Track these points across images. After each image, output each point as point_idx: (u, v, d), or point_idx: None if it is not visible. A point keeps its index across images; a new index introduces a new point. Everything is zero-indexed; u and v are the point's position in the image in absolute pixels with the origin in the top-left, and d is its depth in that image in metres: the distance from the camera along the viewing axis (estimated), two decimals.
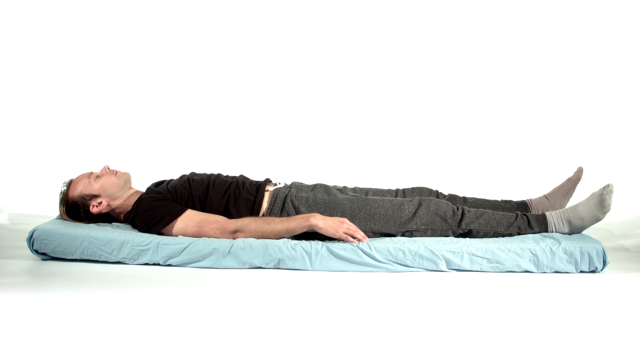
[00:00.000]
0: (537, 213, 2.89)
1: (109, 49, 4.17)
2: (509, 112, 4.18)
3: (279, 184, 2.89)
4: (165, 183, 2.91)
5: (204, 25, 4.19)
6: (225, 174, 2.96)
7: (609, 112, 4.11)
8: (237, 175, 2.96)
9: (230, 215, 2.74)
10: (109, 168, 2.87)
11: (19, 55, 4.08)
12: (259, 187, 2.83)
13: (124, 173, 2.87)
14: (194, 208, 2.77)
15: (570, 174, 2.98)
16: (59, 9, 4.10)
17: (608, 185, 2.65)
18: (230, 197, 2.78)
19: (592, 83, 4.13)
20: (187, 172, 2.98)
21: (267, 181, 2.90)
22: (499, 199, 3.02)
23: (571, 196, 2.96)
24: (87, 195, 2.80)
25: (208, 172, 2.97)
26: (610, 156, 4.03)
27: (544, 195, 2.97)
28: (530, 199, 2.99)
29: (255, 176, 3.21)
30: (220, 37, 4.21)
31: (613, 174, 3.75)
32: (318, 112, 4.22)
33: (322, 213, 2.71)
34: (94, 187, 2.80)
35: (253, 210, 2.77)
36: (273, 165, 4.03)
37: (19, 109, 4.08)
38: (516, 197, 3.14)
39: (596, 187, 2.75)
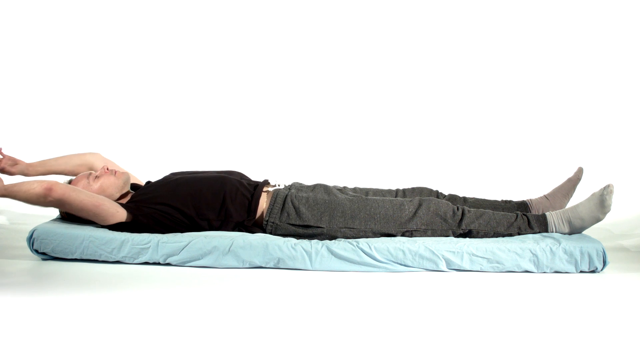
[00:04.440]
0: (537, 213, 2.89)
1: (110, 49, 4.17)
2: (509, 112, 4.18)
3: (279, 185, 2.89)
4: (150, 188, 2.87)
5: (204, 26, 4.19)
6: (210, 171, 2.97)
7: (609, 113, 4.11)
8: (234, 171, 2.96)
9: (227, 213, 2.73)
10: (107, 168, 2.87)
11: (18, 54, 4.08)
12: (256, 187, 2.83)
13: (122, 173, 2.87)
14: (187, 206, 2.74)
15: (570, 174, 2.98)
16: (57, 9, 4.09)
17: (608, 186, 2.65)
18: (227, 195, 2.76)
19: (592, 83, 4.13)
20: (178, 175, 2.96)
21: (266, 182, 2.90)
22: (499, 199, 3.02)
23: (571, 196, 2.95)
24: None
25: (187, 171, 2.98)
26: (611, 156, 4.02)
27: (544, 196, 2.97)
28: (530, 199, 2.99)
29: (256, 177, 3.21)
30: (221, 39, 4.20)
31: (613, 174, 3.75)
32: (318, 113, 4.21)
33: (323, 213, 2.71)
34: (93, 187, 2.80)
35: (250, 209, 2.76)
36: (273, 165, 4.03)
37: (18, 108, 4.08)
38: (516, 197, 3.14)
39: (596, 188, 2.75)
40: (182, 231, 2.73)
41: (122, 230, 2.69)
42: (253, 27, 4.20)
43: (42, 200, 2.57)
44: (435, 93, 4.21)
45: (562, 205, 2.93)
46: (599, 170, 3.70)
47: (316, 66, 4.21)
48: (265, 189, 2.84)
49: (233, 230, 2.74)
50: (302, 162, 4.07)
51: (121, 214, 2.69)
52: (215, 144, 4.14)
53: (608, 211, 2.66)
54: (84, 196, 2.62)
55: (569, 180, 2.94)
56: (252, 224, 2.77)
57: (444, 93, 4.21)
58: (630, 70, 4.08)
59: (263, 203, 2.78)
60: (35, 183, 2.57)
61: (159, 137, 4.17)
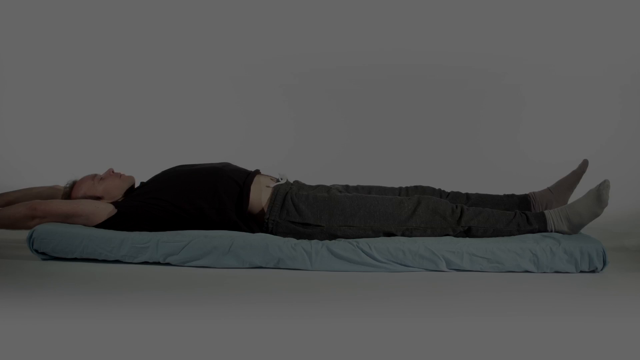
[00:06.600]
0: (540, 205, 2.92)
1: (111, 50, 4.18)
2: (513, 110, 4.18)
3: (281, 179, 2.88)
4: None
5: (205, 27, 4.19)
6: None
7: (611, 112, 4.11)
8: (224, 162, 2.96)
9: (220, 201, 2.72)
10: (113, 171, 2.88)
11: (21, 56, 4.09)
12: (248, 175, 2.82)
13: (128, 177, 2.89)
14: (178, 197, 2.74)
15: (571, 171, 2.97)
16: (59, 11, 4.10)
17: (604, 181, 2.66)
18: (218, 183, 2.76)
19: (595, 83, 4.13)
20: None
21: (257, 171, 2.89)
22: (502, 194, 3.02)
23: (574, 189, 2.95)
24: (91, 197, 2.81)
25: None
26: (611, 156, 4.03)
27: (548, 188, 2.98)
28: (533, 192, 2.99)
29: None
30: (220, 39, 4.20)
31: (613, 173, 3.74)
32: (321, 112, 4.22)
33: (322, 211, 2.71)
34: (98, 189, 2.81)
35: (242, 196, 2.75)
36: (275, 165, 4.03)
37: (21, 110, 4.09)
38: (519, 191, 3.13)
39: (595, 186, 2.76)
40: (181, 225, 2.73)
41: (120, 229, 2.69)
42: (252, 28, 4.20)
43: (28, 220, 2.69)
44: (439, 91, 4.22)
45: (565, 198, 2.94)
46: (599, 170, 3.70)
47: (318, 66, 4.21)
48: (267, 184, 2.84)
49: (234, 224, 2.73)
50: (303, 161, 4.08)
51: (103, 210, 2.70)
52: (216, 145, 4.15)
53: (605, 205, 2.66)
54: (62, 204, 2.70)
55: (574, 172, 2.95)
56: (248, 215, 2.76)
57: (447, 91, 4.22)
58: (632, 68, 4.09)
59: (260, 195, 2.77)
60: (20, 207, 2.69)
61: (158, 138, 4.18)
